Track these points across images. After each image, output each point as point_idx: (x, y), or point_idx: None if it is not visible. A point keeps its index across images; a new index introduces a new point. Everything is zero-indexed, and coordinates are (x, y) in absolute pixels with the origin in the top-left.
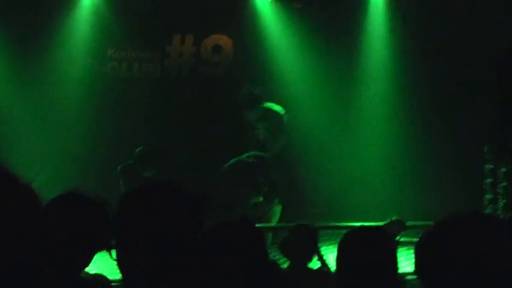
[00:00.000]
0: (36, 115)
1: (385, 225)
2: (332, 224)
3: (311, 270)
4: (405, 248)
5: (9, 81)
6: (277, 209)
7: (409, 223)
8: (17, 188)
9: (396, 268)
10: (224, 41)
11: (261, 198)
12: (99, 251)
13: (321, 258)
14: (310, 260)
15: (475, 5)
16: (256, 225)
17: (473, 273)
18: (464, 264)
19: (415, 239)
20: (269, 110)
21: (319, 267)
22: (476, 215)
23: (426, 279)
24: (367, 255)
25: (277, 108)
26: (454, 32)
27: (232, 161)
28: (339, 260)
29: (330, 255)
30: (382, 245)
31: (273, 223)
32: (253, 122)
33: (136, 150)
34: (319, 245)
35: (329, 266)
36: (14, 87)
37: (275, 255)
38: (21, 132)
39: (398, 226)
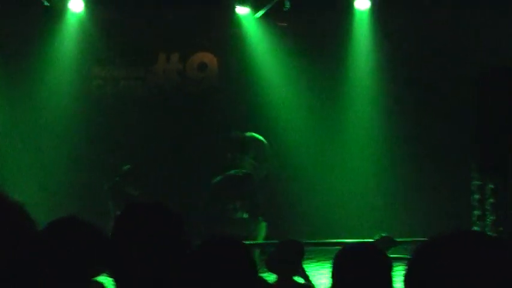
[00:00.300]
0: (23, 133)
1: (374, 241)
2: (320, 241)
3: (297, 283)
4: (394, 264)
5: None
6: (262, 227)
7: (398, 239)
8: (9, 209)
9: (391, 284)
10: (209, 58)
11: (245, 215)
12: (94, 277)
13: (304, 274)
14: (296, 274)
15: (460, 21)
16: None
17: None
18: (455, 282)
19: (404, 255)
20: (254, 138)
21: (305, 283)
22: (465, 233)
23: None
24: (363, 271)
25: (260, 137)
26: (438, 48)
27: (218, 177)
28: (335, 276)
29: (318, 271)
30: (377, 261)
31: (259, 240)
32: (238, 151)
33: (123, 168)
34: (304, 261)
35: (312, 281)
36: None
37: (262, 271)
38: (8, 149)
39: (388, 242)
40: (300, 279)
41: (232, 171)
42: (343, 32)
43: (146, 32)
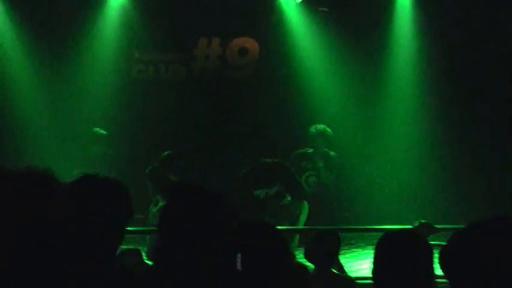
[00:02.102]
0: (64, 118)
1: (413, 228)
2: (361, 227)
3: (335, 274)
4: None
5: (36, 84)
6: (305, 209)
7: (437, 226)
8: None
9: (433, 270)
10: (250, 43)
11: (289, 198)
12: (125, 226)
13: (339, 265)
14: (333, 264)
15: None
16: (283, 228)
17: (501, 277)
18: (492, 268)
19: (444, 242)
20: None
21: (342, 274)
22: (504, 219)
23: (453, 283)
24: (405, 257)
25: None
26: (481, 35)
27: (248, 166)
28: (376, 262)
29: (358, 257)
30: (419, 247)
31: (301, 222)
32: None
33: (163, 154)
34: (344, 247)
35: (347, 272)
36: (41, 90)
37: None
38: (50, 135)
39: (427, 229)
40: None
41: (263, 159)
42: (385, 18)
43: (187, 17)
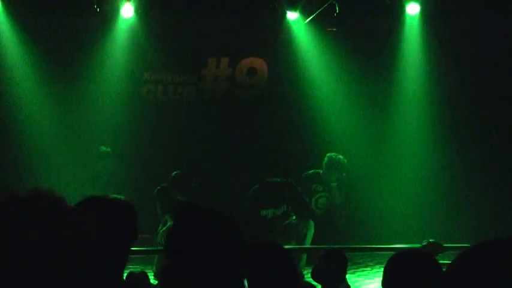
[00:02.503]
0: (73, 137)
1: (422, 246)
2: (368, 246)
3: None
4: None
5: (46, 103)
6: (311, 228)
7: (446, 245)
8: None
9: None
10: (259, 63)
11: (294, 217)
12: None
13: (346, 284)
14: (341, 284)
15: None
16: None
17: None
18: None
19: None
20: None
21: None
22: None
23: None
24: (415, 277)
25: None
26: (489, 51)
27: (256, 186)
28: (386, 282)
29: (367, 276)
30: (428, 267)
31: (308, 242)
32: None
33: (172, 174)
34: (353, 266)
35: None
36: (51, 108)
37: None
38: (59, 154)
39: (436, 248)
40: None
41: (270, 179)
42: (394, 36)
43: (196, 37)
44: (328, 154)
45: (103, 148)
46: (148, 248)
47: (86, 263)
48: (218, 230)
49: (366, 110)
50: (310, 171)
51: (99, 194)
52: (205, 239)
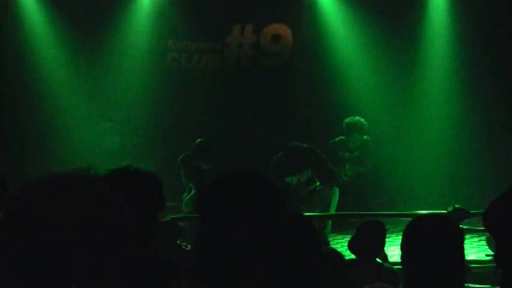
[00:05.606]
0: (97, 107)
1: (447, 212)
2: (395, 212)
3: (380, 265)
4: (468, 236)
5: (70, 73)
6: (336, 195)
7: (472, 211)
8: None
9: (463, 255)
10: (283, 30)
11: (318, 183)
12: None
13: (384, 255)
14: (379, 255)
15: None
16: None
17: None
18: None
19: (478, 227)
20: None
21: (387, 265)
22: None
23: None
24: (434, 241)
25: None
26: None
27: (279, 153)
28: (405, 247)
29: (393, 242)
30: (448, 232)
31: (333, 208)
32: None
33: (196, 141)
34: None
35: (389, 262)
36: (75, 78)
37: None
38: (82, 124)
39: (461, 214)
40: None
41: (295, 143)
42: (421, 4)
43: (220, 4)
44: (345, 120)
45: None
46: (174, 216)
47: (127, 243)
48: (260, 194)
49: (392, 75)
50: (336, 139)
51: (125, 164)
52: (245, 201)
